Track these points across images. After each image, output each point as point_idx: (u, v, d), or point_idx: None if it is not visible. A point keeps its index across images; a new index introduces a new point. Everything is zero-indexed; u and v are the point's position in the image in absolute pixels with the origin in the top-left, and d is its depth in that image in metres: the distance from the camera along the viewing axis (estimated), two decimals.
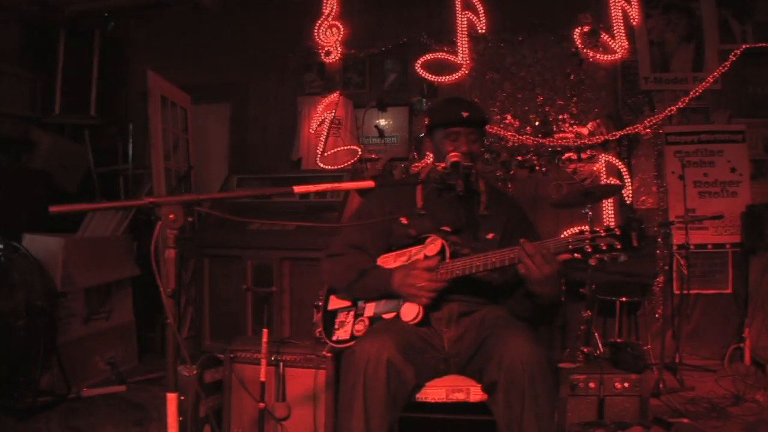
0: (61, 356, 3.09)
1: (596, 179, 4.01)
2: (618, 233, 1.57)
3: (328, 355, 2.45)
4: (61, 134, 4.55)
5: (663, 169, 4.04)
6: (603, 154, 4.00)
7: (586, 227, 2.56)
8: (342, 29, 4.10)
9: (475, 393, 1.80)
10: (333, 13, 4.11)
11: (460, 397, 1.81)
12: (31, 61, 4.56)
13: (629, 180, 4.01)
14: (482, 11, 3.97)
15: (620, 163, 4.00)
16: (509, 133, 4.10)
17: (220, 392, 2.56)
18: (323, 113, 4.26)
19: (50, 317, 3.04)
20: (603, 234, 1.59)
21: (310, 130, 4.33)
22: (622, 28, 3.83)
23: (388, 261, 1.97)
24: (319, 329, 2.65)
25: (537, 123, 4.08)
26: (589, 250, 1.59)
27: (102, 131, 4.68)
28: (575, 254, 1.62)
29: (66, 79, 4.51)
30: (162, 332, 3.93)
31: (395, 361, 1.61)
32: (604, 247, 1.57)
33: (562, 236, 1.69)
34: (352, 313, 1.96)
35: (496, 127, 4.10)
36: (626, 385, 2.57)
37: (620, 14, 3.84)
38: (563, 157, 4.02)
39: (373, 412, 1.57)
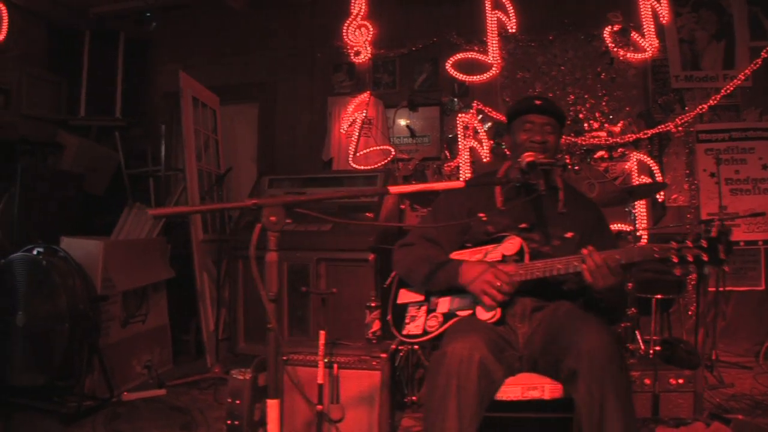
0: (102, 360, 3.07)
1: (628, 178, 4.02)
2: (705, 245, 1.57)
3: (384, 356, 2.44)
4: (87, 136, 4.52)
5: (694, 167, 4.05)
6: (634, 153, 4.01)
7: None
8: (371, 29, 4.08)
9: (550, 390, 1.79)
10: (361, 13, 4.10)
11: (535, 394, 1.80)
12: (56, 64, 4.54)
13: (661, 178, 4.02)
14: (512, 11, 3.96)
15: (652, 161, 4.01)
16: None
17: None
18: (354, 113, 4.24)
19: (93, 321, 3.02)
20: (690, 245, 1.59)
21: (341, 131, 4.31)
22: (652, 26, 3.82)
23: (464, 257, 1.96)
24: (372, 329, 2.67)
25: (568, 122, 4.08)
26: (675, 260, 1.60)
27: (127, 133, 4.65)
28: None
29: (91, 81, 4.50)
30: (196, 335, 3.90)
31: (486, 361, 1.62)
32: (690, 259, 1.58)
33: (646, 245, 1.70)
34: (424, 308, 1.95)
35: None
36: (680, 381, 2.59)
37: (650, 13, 3.83)
38: (595, 156, 4.03)
39: (465, 412, 1.57)
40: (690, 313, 3.98)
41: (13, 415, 2.86)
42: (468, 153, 4.01)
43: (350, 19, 4.10)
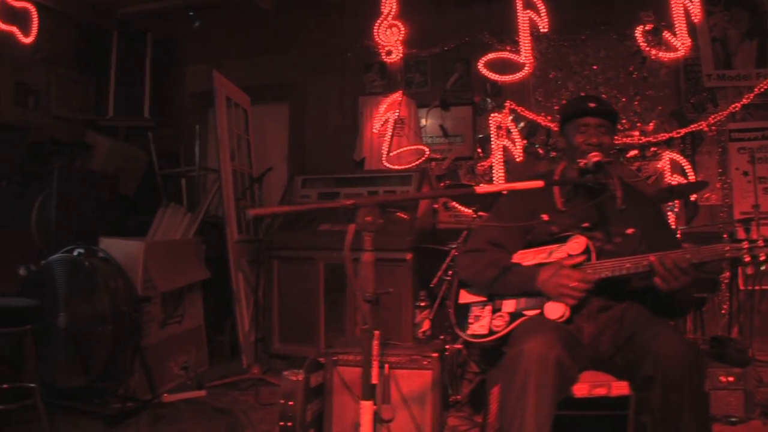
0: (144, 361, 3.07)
1: (660, 177, 4.02)
2: None
3: (435, 355, 2.44)
4: (115, 137, 4.52)
5: (727, 166, 4.04)
6: (667, 152, 4.01)
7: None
8: (402, 29, 4.07)
9: (616, 388, 1.79)
10: (392, 13, 4.08)
11: (602, 392, 1.80)
12: (84, 65, 4.54)
13: (693, 177, 4.01)
14: (544, 10, 3.95)
15: (684, 160, 4.00)
16: None
17: (321, 396, 2.54)
18: (386, 113, 4.24)
19: (136, 323, 3.01)
20: (761, 244, 1.61)
21: (373, 131, 4.31)
22: (684, 25, 3.81)
23: (527, 257, 1.97)
24: (423, 329, 2.67)
25: None
26: (747, 259, 1.63)
27: (155, 133, 4.64)
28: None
29: (119, 82, 4.50)
30: (231, 335, 3.89)
31: (562, 358, 1.62)
32: (762, 258, 1.60)
33: (717, 245, 1.70)
34: (488, 308, 1.96)
35: None
36: (731, 379, 2.58)
37: (682, 11, 3.82)
38: (627, 155, 4.03)
39: (542, 410, 1.57)
40: (723, 311, 3.98)
41: (55, 416, 2.85)
42: (501, 153, 4.01)
43: (381, 19, 4.09)
